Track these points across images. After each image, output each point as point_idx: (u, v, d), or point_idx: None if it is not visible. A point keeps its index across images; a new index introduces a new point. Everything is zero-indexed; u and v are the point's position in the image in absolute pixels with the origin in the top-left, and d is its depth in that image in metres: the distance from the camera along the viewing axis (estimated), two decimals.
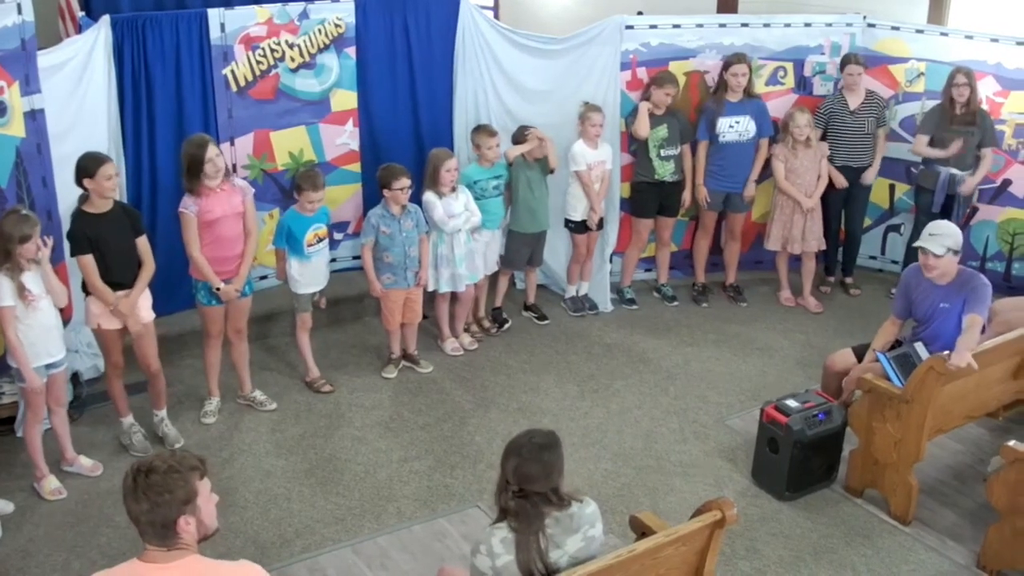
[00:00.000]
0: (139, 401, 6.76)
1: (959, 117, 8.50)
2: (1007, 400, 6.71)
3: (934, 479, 6.43)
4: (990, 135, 8.57)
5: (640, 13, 9.84)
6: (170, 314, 7.45)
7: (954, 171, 8.57)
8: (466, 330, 8.20)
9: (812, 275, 9.11)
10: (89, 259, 6.05)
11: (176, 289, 7.22)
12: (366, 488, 6.30)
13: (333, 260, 7.62)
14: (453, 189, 7.55)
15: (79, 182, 6.03)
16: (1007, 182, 8.90)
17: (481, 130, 7.96)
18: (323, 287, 7.36)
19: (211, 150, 6.39)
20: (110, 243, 6.10)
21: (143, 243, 6.30)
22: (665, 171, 8.56)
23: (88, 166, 5.99)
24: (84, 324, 6.52)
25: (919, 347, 6.15)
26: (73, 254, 6.13)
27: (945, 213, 8.40)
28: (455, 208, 7.56)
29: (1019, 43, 8.69)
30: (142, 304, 6.35)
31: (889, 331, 6.62)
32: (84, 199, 6.10)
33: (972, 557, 5.72)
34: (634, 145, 8.56)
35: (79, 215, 6.08)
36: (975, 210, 8.94)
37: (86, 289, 6.21)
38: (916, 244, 6.31)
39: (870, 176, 9.01)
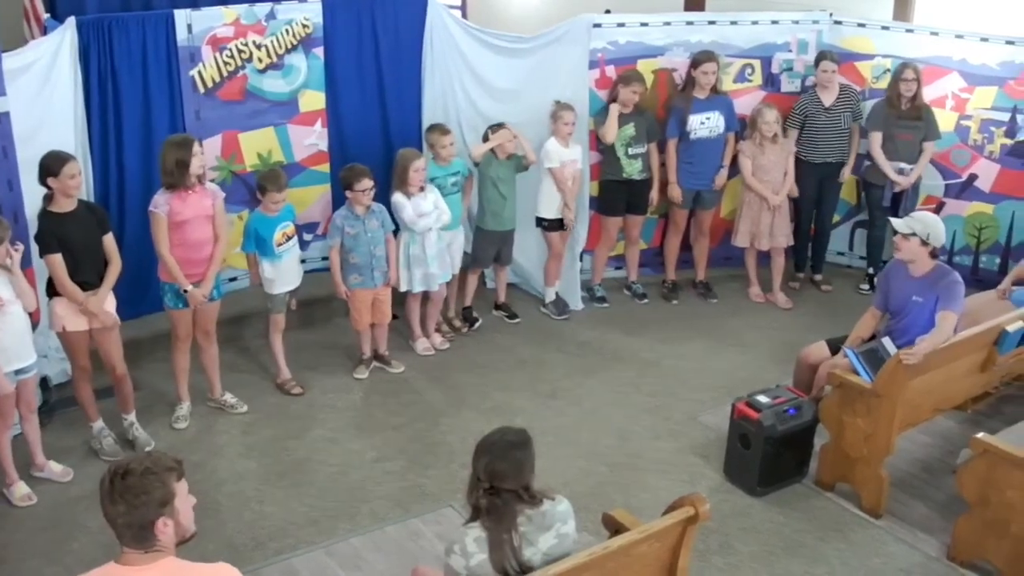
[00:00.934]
0: (108, 405, 6.71)
1: (905, 112, 8.62)
2: (975, 393, 6.79)
3: (904, 472, 6.47)
4: (933, 129, 8.70)
5: (608, 11, 9.86)
6: (138, 317, 7.42)
7: (902, 165, 8.69)
8: (437, 330, 8.18)
9: (782, 271, 9.15)
10: (58, 258, 6.02)
11: (144, 292, 7.20)
12: (339, 489, 6.28)
13: (303, 261, 7.59)
14: (422, 188, 7.55)
15: (43, 182, 5.99)
16: (973, 177, 8.98)
17: (434, 129, 7.97)
18: (296, 286, 7.33)
19: (196, 149, 6.41)
20: (77, 242, 6.07)
21: (109, 241, 6.27)
22: (633, 169, 8.58)
23: (52, 165, 5.95)
24: (49, 328, 6.47)
25: (886, 342, 6.19)
26: (42, 254, 6.09)
27: (895, 206, 8.50)
28: (425, 207, 7.56)
29: (983, 39, 8.78)
30: (107, 304, 6.31)
31: (868, 322, 6.69)
32: (48, 199, 6.06)
33: (943, 548, 5.76)
34: (602, 144, 8.57)
35: (45, 215, 6.04)
36: (942, 204, 9.02)
37: (51, 292, 6.17)
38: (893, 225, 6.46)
39: (845, 173, 9.07)
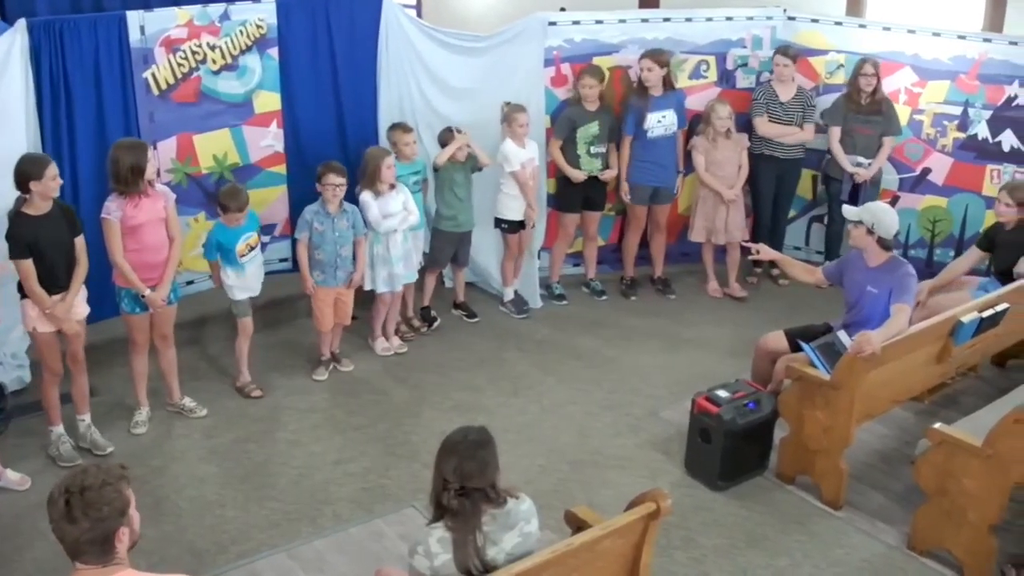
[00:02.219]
0: (66, 411, 6.63)
1: (865, 107, 8.71)
2: (932, 384, 6.86)
3: (863, 463, 6.54)
4: (893, 125, 8.80)
5: (563, 9, 9.88)
6: (95, 322, 7.34)
7: (861, 160, 8.78)
8: (396, 332, 8.16)
9: (737, 264, 9.23)
10: (28, 264, 5.95)
11: (101, 297, 7.10)
12: (301, 492, 6.25)
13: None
14: (392, 186, 7.53)
15: (24, 187, 5.91)
16: (927, 170, 9.08)
17: (397, 127, 7.97)
18: (256, 293, 7.30)
19: (150, 153, 6.38)
20: (51, 245, 6.01)
21: (80, 243, 6.22)
22: (593, 167, 8.60)
23: (32, 169, 5.89)
24: (22, 327, 6.41)
25: (842, 335, 6.25)
26: (11, 257, 6.01)
27: (853, 199, 8.59)
28: (392, 207, 7.55)
29: (935, 34, 8.88)
30: (78, 300, 6.27)
31: (809, 276, 7.01)
32: (22, 201, 5.98)
33: (902, 538, 5.82)
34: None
35: (19, 217, 5.96)
36: (896, 198, 9.10)
37: (23, 292, 6.11)
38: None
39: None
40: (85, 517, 3.21)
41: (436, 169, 8.05)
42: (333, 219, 7.31)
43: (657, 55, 8.55)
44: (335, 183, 7.26)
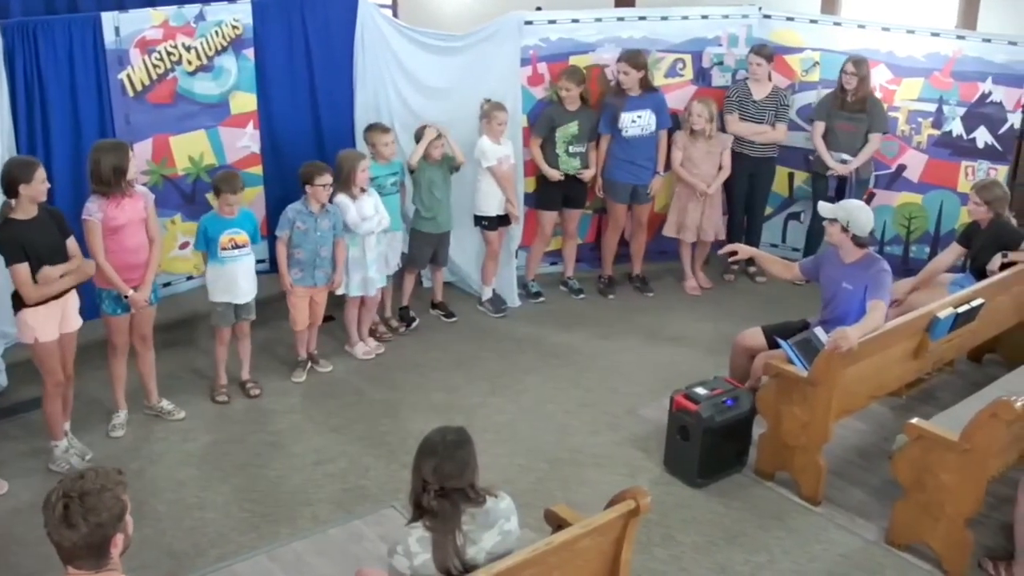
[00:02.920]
0: (36, 416, 6.61)
1: (849, 104, 8.75)
2: (908, 379, 6.90)
3: (841, 459, 6.56)
4: (878, 122, 8.82)
5: (539, 9, 9.88)
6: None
7: (845, 156, 8.82)
8: (372, 333, 8.15)
9: (704, 256, 9.35)
10: (25, 268, 5.89)
11: (79, 300, 7.08)
12: (280, 494, 6.23)
13: None
14: (363, 190, 7.53)
15: (12, 191, 5.86)
16: (902, 167, 9.13)
17: (374, 128, 7.96)
18: (244, 302, 7.19)
19: (130, 154, 6.34)
20: (43, 248, 5.95)
21: (73, 244, 6.16)
22: (571, 167, 8.61)
23: (22, 174, 5.84)
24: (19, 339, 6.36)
25: (819, 332, 6.27)
26: (8, 264, 5.94)
27: (839, 197, 8.62)
28: (366, 210, 7.54)
29: (909, 32, 8.93)
30: (71, 310, 6.24)
31: (786, 272, 7.10)
32: (6, 207, 5.93)
33: (881, 533, 5.85)
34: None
35: (8, 224, 5.89)
36: (872, 195, 9.14)
37: (17, 304, 6.04)
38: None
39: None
40: (84, 522, 3.20)
41: (412, 171, 8.04)
42: (316, 219, 7.29)
43: (633, 58, 8.56)
44: (326, 183, 7.25)
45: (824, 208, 6.55)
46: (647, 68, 8.66)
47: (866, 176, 9.00)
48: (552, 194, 8.76)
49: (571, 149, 8.57)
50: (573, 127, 8.51)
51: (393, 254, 8.14)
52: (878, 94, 8.95)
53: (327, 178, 7.26)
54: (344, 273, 7.63)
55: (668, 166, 9.03)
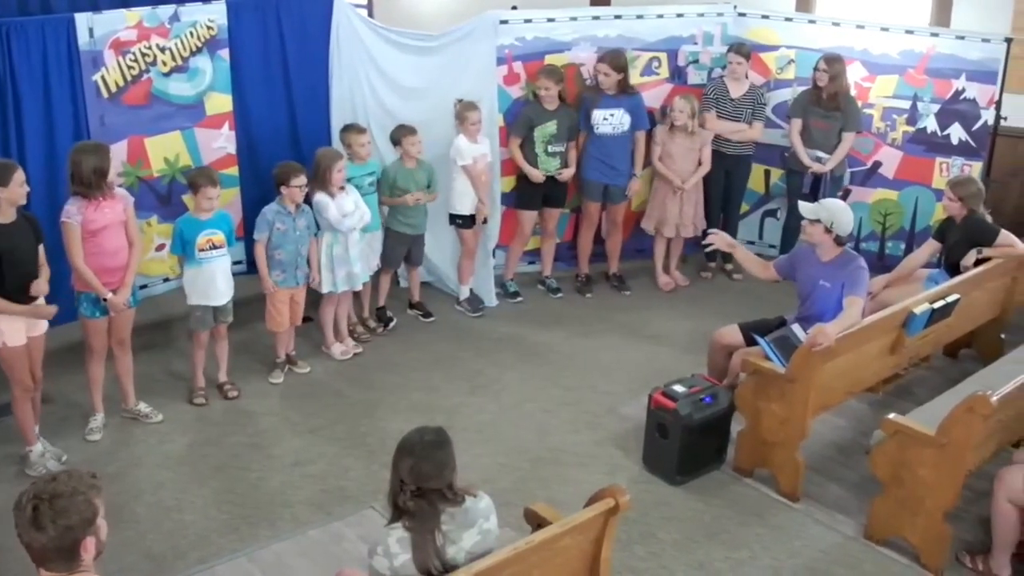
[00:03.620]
0: (8, 421, 6.55)
1: (824, 102, 8.79)
2: (885, 375, 6.92)
3: (820, 455, 6.59)
4: (851, 120, 8.87)
5: (514, 8, 9.88)
6: (49, 328, 7.26)
7: (820, 153, 8.86)
8: (350, 333, 8.13)
9: (679, 253, 9.35)
10: None
11: (56, 303, 7.03)
12: (260, 495, 6.21)
13: None
14: (342, 188, 7.51)
15: None
16: (877, 164, 9.17)
17: (350, 129, 7.95)
18: (221, 304, 7.16)
19: (111, 155, 6.29)
20: (17, 253, 5.90)
21: (42, 251, 6.12)
22: (550, 166, 8.62)
23: (0, 177, 5.80)
24: None
25: (796, 329, 6.30)
26: None
27: (814, 193, 8.66)
28: (346, 207, 7.52)
29: (883, 29, 8.98)
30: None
31: (763, 272, 7.06)
32: None
33: (859, 528, 5.88)
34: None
35: None
36: (848, 192, 9.19)
37: None
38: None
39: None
40: (53, 525, 3.19)
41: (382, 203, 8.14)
42: (295, 218, 7.28)
43: (615, 59, 8.60)
44: (301, 184, 7.23)
45: (806, 209, 6.54)
46: (627, 70, 8.68)
47: (840, 173, 9.05)
48: (532, 194, 8.77)
49: (550, 149, 8.57)
50: (551, 126, 8.51)
51: (374, 254, 8.13)
52: (853, 92, 8.99)
53: (302, 179, 7.24)
54: (327, 270, 7.63)
55: (646, 165, 9.04)
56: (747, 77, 9.12)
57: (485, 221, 8.64)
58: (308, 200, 7.47)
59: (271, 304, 7.47)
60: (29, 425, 6.33)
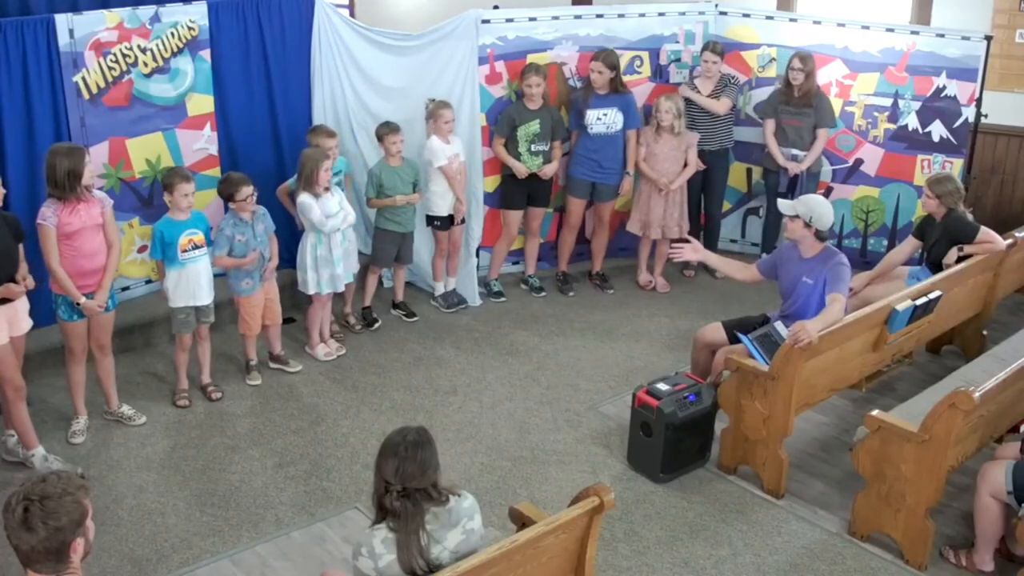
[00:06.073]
0: None
1: (796, 99, 8.84)
2: (868, 371, 6.94)
3: (802, 452, 6.61)
4: (824, 117, 8.91)
5: (496, 7, 9.88)
6: (29, 331, 7.23)
7: (795, 152, 8.89)
8: (332, 335, 8.12)
9: (664, 258, 9.29)
10: None
11: (35, 305, 7.00)
12: (242, 497, 6.19)
13: None
14: (327, 189, 7.49)
15: None
16: (859, 161, 9.21)
17: (319, 131, 7.89)
18: (204, 304, 7.11)
19: (87, 158, 6.22)
20: None
21: (20, 251, 6.09)
22: (534, 165, 8.62)
23: None
24: None
25: (779, 326, 6.32)
26: None
27: (791, 191, 8.69)
28: (331, 208, 7.50)
29: (864, 27, 9.01)
30: (20, 313, 6.15)
31: (744, 273, 7.02)
32: None
33: (843, 524, 5.89)
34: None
35: None
36: (830, 189, 9.22)
37: None
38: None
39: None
40: (43, 526, 3.19)
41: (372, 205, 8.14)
42: (251, 226, 7.20)
43: (607, 58, 8.61)
44: (248, 194, 7.11)
45: (784, 205, 6.57)
46: (619, 69, 8.69)
47: (816, 170, 9.09)
48: (518, 193, 8.78)
49: (533, 148, 8.57)
50: (535, 125, 8.51)
51: (352, 253, 8.10)
52: (834, 89, 9.03)
53: (246, 189, 7.10)
54: (312, 271, 7.61)
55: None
56: (720, 74, 9.12)
57: (463, 221, 8.63)
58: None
59: (244, 311, 7.40)
60: (28, 429, 6.27)
